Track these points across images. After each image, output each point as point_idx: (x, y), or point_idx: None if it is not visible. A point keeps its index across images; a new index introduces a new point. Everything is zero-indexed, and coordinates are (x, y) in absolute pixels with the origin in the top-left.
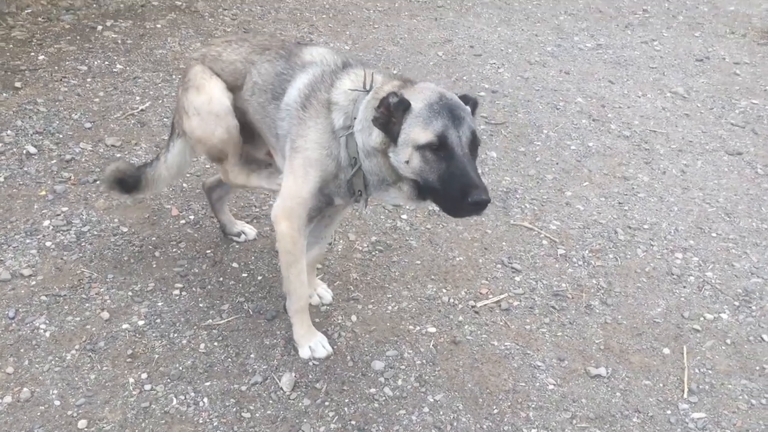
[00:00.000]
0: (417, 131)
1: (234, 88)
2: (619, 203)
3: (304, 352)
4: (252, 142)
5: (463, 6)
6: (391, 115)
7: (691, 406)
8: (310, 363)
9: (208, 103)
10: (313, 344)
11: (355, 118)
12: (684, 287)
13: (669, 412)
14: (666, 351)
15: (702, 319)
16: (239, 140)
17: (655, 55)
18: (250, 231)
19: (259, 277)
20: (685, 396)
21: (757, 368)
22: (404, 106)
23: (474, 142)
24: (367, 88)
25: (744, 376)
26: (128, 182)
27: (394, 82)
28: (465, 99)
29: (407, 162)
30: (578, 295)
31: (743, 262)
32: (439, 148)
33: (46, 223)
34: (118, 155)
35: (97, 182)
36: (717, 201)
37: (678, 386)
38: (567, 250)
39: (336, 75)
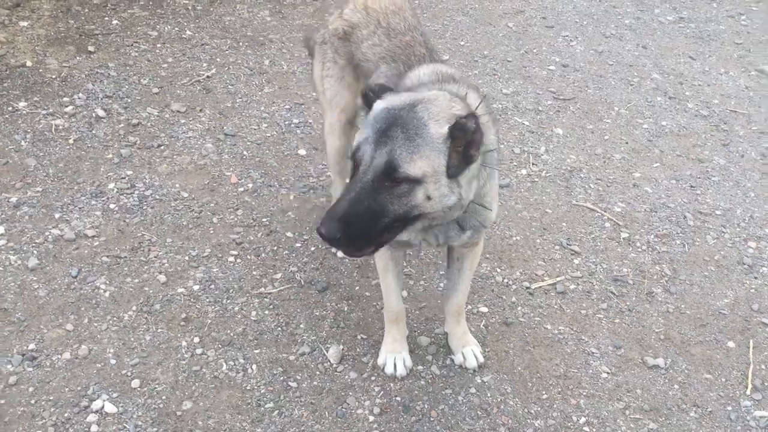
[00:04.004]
0: None
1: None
2: (691, 186)
3: (380, 360)
4: None
5: None
6: None
7: (754, 404)
8: (358, 337)
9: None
10: (390, 357)
11: None
12: (755, 278)
13: (730, 408)
14: (731, 344)
15: None
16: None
17: (742, 30)
18: None
19: (312, 248)
20: (749, 393)
21: None
22: None
23: None
24: None
25: None
26: None
27: None
28: None
29: None
30: (640, 281)
31: None
32: None
33: (111, 185)
34: (182, 121)
35: (161, 147)
36: None
37: (741, 382)
38: (631, 234)
39: None
